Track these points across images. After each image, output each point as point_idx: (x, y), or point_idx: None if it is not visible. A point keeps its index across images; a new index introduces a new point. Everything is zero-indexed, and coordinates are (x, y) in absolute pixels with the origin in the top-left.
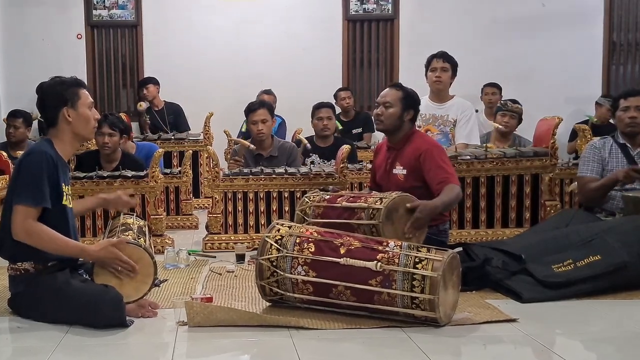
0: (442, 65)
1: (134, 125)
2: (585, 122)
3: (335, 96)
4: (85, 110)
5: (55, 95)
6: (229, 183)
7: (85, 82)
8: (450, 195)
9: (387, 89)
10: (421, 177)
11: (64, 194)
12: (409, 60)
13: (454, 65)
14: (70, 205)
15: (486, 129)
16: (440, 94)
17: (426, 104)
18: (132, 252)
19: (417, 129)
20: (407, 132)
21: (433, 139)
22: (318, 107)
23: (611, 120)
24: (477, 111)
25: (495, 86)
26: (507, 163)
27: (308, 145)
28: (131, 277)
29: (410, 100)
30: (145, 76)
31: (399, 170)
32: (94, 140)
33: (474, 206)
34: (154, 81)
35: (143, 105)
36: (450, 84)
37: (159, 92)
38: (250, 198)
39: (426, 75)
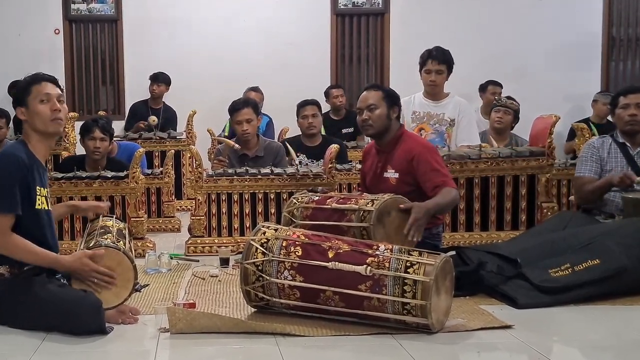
0: (438, 68)
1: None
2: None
3: (327, 94)
4: (35, 104)
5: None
6: (212, 184)
7: (63, 79)
8: (446, 199)
9: (365, 92)
10: (414, 181)
11: (38, 197)
12: (400, 56)
13: (449, 66)
14: (48, 208)
15: (481, 128)
16: (434, 92)
17: (420, 102)
18: (112, 256)
19: (411, 127)
20: (396, 133)
21: (424, 139)
22: (302, 105)
23: (609, 118)
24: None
25: (498, 84)
26: (502, 163)
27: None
28: (109, 288)
29: (392, 98)
30: (125, 72)
31: (391, 174)
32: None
33: (467, 208)
34: (167, 81)
35: (156, 121)
36: (446, 81)
37: (166, 91)
38: (235, 200)
39: (420, 72)
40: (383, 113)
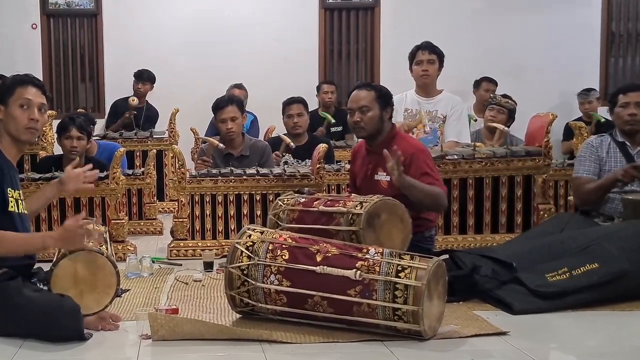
0: (429, 58)
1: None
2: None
3: (318, 89)
4: (14, 107)
5: None
6: (196, 185)
7: (41, 76)
8: (429, 191)
9: (357, 91)
10: None
11: (10, 200)
12: (391, 52)
13: (440, 57)
14: (21, 211)
15: (474, 126)
16: (427, 88)
17: (412, 99)
18: (94, 260)
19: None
20: (389, 134)
21: (416, 140)
22: (288, 103)
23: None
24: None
25: (492, 81)
26: (497, 163)
27: (292, 144)
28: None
29: (385, 98)
30: (105, 69)
31: (382, 177)
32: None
33: (461, 210)
34: (152, 79)
35: (136, 101)
36: (438, 76)
37: (151, 89)
38: (219, 201)
39: (410, 68)
40: (376, 115)
